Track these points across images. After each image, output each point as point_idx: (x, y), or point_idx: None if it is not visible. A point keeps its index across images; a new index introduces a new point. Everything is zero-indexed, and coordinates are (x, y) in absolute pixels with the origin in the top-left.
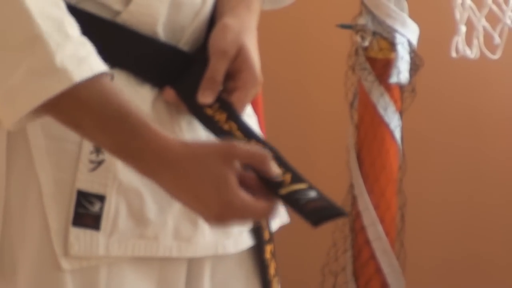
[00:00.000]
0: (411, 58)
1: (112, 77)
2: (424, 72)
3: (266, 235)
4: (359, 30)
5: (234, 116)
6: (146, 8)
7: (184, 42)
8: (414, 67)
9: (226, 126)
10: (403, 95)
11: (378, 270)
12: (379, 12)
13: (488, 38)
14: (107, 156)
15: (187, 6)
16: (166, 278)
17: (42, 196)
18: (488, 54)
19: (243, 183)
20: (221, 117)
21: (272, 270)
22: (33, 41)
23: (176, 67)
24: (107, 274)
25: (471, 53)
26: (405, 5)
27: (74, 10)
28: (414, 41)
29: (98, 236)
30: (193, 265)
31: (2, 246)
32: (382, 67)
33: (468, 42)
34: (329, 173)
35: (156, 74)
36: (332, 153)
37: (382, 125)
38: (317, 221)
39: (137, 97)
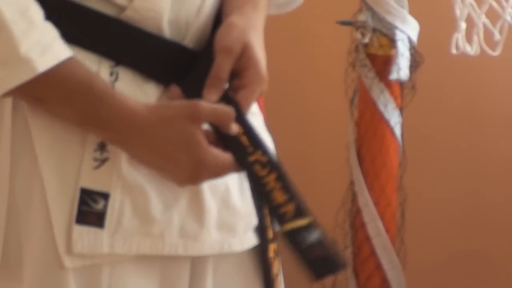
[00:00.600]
0: (411, 55)
1: (116, 76)
2: (424, 68)
3: (270, 234)
4: (359, 26)
5: (240, 117)
6: (150, 3)
7: (189, 40)
8: (414, 64)
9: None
10: (403, 92)
11: (379, 267)
12: (379, 8)
13: (488, 34)
14: (111, 154)
15: (189, 1)
16: (169, 276)
17: (46, 195)
18: (488, 50)
19: (209, 140)
20: None
21: (275, 269)
22: None
23: (181, 65)
24: (109, 273)
25: (471, 50)
26: (405, 1)
27: (79, 8)
28: (414, 38)
29: (102, 234)
30: (196, 263)
31: (8, 243)
32: (382, 64)
33: (468, 38)
34: (330, 169)
35: (161, 72)
36: (332, 149)
37: (382, 121)
38: (318, 275)
39: (142, 94)
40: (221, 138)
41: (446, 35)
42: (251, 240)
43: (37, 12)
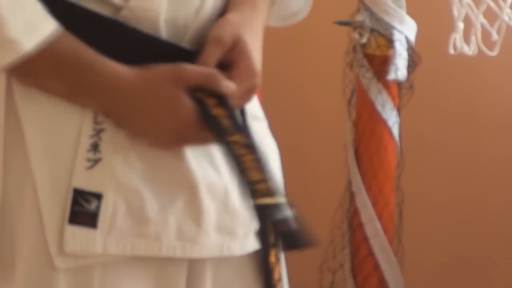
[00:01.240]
0: (409, 55)
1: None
2: (422, 69)
3: (272, 239)
4: (357, 27)
5: (224, 103)
6: (146, 3)
7: (188, 41)
8: (412, 64)
9: (214, 111)
10: (401, 92)
11: (376, 267)
12: (377, 9)
13: (486, 35)
14: (104, 154)
15: (187, 2)
16: (164, 279)
17: (37, 194)
18: (486, 51)
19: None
20: (210, 101)
21: (276, 274)
22: None
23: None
24: (102, 274)
25: (469, 50)
26: (403, 2)
27: (74, 8)
28: (412, 38)
29: (95, 234)
30: (194, 267)
31: (1, 242)
32: (380, 64)
33: (466, 39)
34: (327, 170)
35: None
36: (330, 150)
37: (380, 122)
38: (285, 247)
39: None
40: (203, 119)
41: (444, 35)
42: (252, 244)
43: None
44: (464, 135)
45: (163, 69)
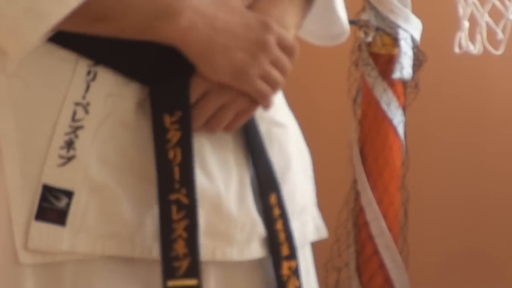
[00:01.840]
0: (414, 54)
1: (94, 75)
2: (427, 67)
3: (285, 251)
4: (362, 25)
5: (185, 141)
6: None
7: None
8: (417, 63)
9: (171, 153)
10: (406, 91)
11: (381, 266)
12: (382, 7)
13: (491, 33)
14: (79, 152)
15: None
16: (154, 280)
17: (7, 189)
18: (491, 49)
19: None
20: (174, 137)
21: (291, 287)
22: None
23: (168, 66)
24: (74, 272)
25: (474, 49)
26: (408, 1)
27: None
28: (417, 37)
29: (63, 232)
30: None
31: None
32: (385, 63)
33: (471, 37)
34: (333, 168)
35: (145, 73)
36: (335, 148)
37: (385, 120)
38: None
39: (119, 96)
40: (156, 160)
41: (449, 34)
42: (256, 252)
43: None
44: (469, 134)
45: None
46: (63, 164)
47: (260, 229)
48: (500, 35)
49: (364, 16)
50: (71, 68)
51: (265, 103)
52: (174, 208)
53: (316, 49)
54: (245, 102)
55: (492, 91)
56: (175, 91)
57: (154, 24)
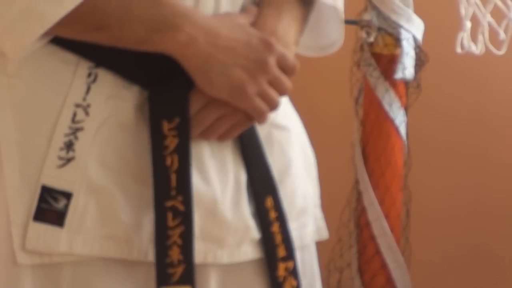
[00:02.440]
0: (416, 54)
1: (94, 78)
2: (429, 68)
3: (281, 252)
4: (364, 26)
5: (183, 147)
6: None
7: None
8: (419, 63)
9: (168, 160)
10: (408, 91)
11: (383, 266)
12: (384, 7)
13: (493, 34)
14: (78, 153)
15: None
16: (152, 284)
17: (6, 189)
18: (493, 50)
19: None
20: (172, 143)
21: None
22: None
23: (168, 69)
24: (71, 272)
25: (476, 49)
26: (410, 1)
27: None
28: (419, 37)
29: (61, 233)
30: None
31: None
32: (387, 63)
33: (473, 38)
34: (335, 168)
35: (146, 76)
36: (337, 148)
37: (387, 121)
38: None
39: (119, 98)
40: (153, 167)
41: (451, 34)
42: (246, 254)
43: None
44: (471, 134)
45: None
46: (62, 166)
47: (253, 232)
48: (502, 35)
49: (366, 16)
50: (72, 70)
51: (261, 119)
52: (169, 215)
53: None
54: (242, 116)
55: (494, 91)
56: (174, 98)
57: (153, 37)
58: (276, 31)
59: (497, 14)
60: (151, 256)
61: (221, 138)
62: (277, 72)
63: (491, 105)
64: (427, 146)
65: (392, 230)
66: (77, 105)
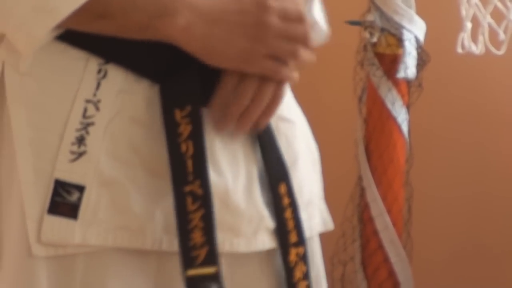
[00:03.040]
0: (418, 54)
1: (104, 74)
2: (431, 67)
3: (293, 238)
4: (367, 26)
5: (198, 133)
6: None
7: None
8: (421, 63)
9: (183, 146)
10: (410, 90)
11: (386, 260)
12: (387, 9)
13: (493, 34)
14: (90, 148)
15: None
16: (166, 273)
17: (20, 184)
18: (493, 50)
19: None
20: (186, 130)
21: (298, 273)
22: None
23: (177, 63)
24: (85, 263)
25: (477, 49)
26: (413, 2)
27: None
28: (421, 37)
29: (75, 225)
30: None
31: None
32: (390, 63)
33: (474, 38)
34: (338, 165)
35: (155, 71)
36: (341, 146)
37: (389, 119)
38: None
39: (129, 92)
40: (169, 154)
41: (452, 34)
42: (264, 243)
43: None
44: (471, 132)
45: None
46: (75, 160)
47: (267, 221)
48: (501, 36)
49: (370, 17)
50: (82, 67)
51: (284, 78)
52: (189, 200)
53: (322, 50)
54: (271, 86)
55: (493, 90)
56: (184, 86)
57: (155, 23)
58: None
59: (497, 15)
60: (165, 245)
61: (265, 113)
62: (283, 25)
63: (490, 103)
64: (428, 144)
65: (394, 225)
66: (88, 101)
